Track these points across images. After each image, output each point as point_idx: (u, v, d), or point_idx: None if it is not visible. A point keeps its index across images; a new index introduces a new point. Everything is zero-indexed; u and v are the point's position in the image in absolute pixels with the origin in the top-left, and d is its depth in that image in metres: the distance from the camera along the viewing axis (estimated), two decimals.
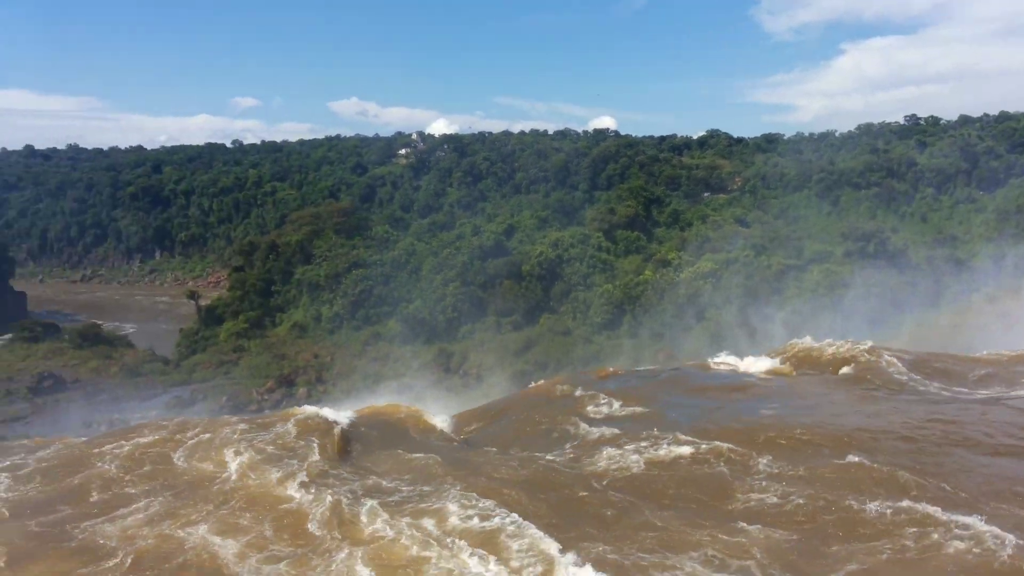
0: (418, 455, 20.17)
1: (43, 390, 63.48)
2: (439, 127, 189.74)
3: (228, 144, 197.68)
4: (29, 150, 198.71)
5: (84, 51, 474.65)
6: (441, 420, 23.92)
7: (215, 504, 17.65)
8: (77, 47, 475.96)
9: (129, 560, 15.39)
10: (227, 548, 15.78)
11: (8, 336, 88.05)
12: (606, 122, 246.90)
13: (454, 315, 71.80)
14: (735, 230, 79.39)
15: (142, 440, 21.81)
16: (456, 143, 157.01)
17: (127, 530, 16.60)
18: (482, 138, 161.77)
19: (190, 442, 21.38)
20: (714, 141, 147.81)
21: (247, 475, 18.88)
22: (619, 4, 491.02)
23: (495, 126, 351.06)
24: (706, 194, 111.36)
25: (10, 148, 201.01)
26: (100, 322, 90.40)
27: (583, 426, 22.62)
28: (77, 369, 69.69)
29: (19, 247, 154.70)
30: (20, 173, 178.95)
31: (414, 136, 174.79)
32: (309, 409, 23.02)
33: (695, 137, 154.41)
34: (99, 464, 20.38)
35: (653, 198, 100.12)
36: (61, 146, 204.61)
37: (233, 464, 19.53)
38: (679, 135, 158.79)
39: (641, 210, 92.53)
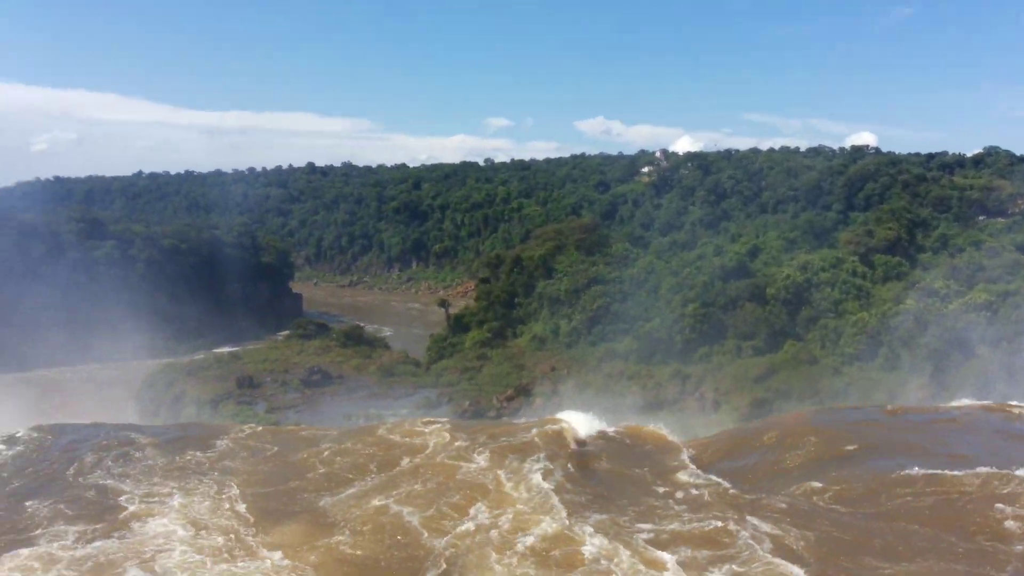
0: (658, 480, 19.84)
1: (312, 383, 70.45)
2: (683, 144, 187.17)
3: (481, 162, 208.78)
4: (310, 167, 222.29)
5: (360, 79, 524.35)
6: (680, 444, 23.37)
7: (447, 500, 18.46)
8: (355, 76, 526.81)
9: (360, 530, 16.54)
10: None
11: (286, 333, 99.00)
12: (865, 138, 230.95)
13: (692, 336, 70.22)
14: (1016, 259, 70.63)
15: (391, 436, 23.38)
16: (700, 161, 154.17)
17: (364, 508, 17.82)
18: (728, 155, 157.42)
19: (433, 440, 22.60)
20: (992, 159, 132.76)
21: (485, 477, 19.58)
22: (883, 12, 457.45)
23: (742, 143, 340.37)
24: (981, 217, 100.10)
25: (295, 165, 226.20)
26: (362, 324, 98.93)
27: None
28: (341, 366, 76.61)
29: (299, 254, 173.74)
30: (302, 187, 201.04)
31: (657, 154, 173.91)
32: (554, 418, 23.47)
33: (969, 155, 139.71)
34: (353, 452, 22.11)
35: (918, 221, 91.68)
36: (337, 164, 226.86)
37: (472, 465, 20.37)
38: (950, 152, 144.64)
39: (904, 233, 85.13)
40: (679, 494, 18.84)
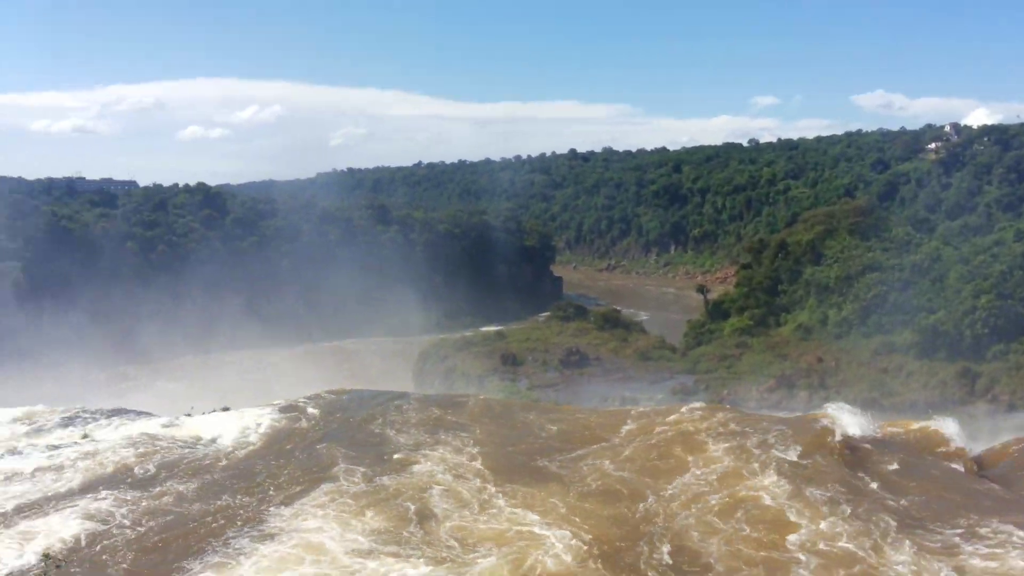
0: (942, 489, 18.22)
1: (570, 363, 72.48)
2: (977, 117, 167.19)
3: (744, 143, 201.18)
4: (572, 153, 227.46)
5: (622, 65, 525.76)
6: (966, 449, 21.22)
7: (692, 492, 18.28)
8: (617, 62, 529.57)
9: (587, 487, 16.86)
10: (706, 544, 16.26)
11: (547, 314, 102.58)
12: None
13: (984, 331, 62.85)
14: None
15: (645, 419, 23.58)
16: (999, 134, 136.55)
17: (605, 478, 18.16)
18: None
19: (690, 425, 22.46)
20: None
21: (737, 471, 19.15)
22: None
23: None
24: None
25: (558, 152, 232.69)
26: (619, 308, 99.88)
27: None
28: (598, 348, 78.02)
29: (560, 237, 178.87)
30: (565, 173, 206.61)
31: (947, 128, 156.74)
32: (821, 413, 22.39)
33: None
34: (608, 428, 22.62)
35: None
36: (598, 149, 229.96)
37: (725, 457, 19.99)
38: None
39: None
40: (967, 506, 17.20)
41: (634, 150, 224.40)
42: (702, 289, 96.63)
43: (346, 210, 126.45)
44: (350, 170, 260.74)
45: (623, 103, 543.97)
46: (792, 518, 16.11)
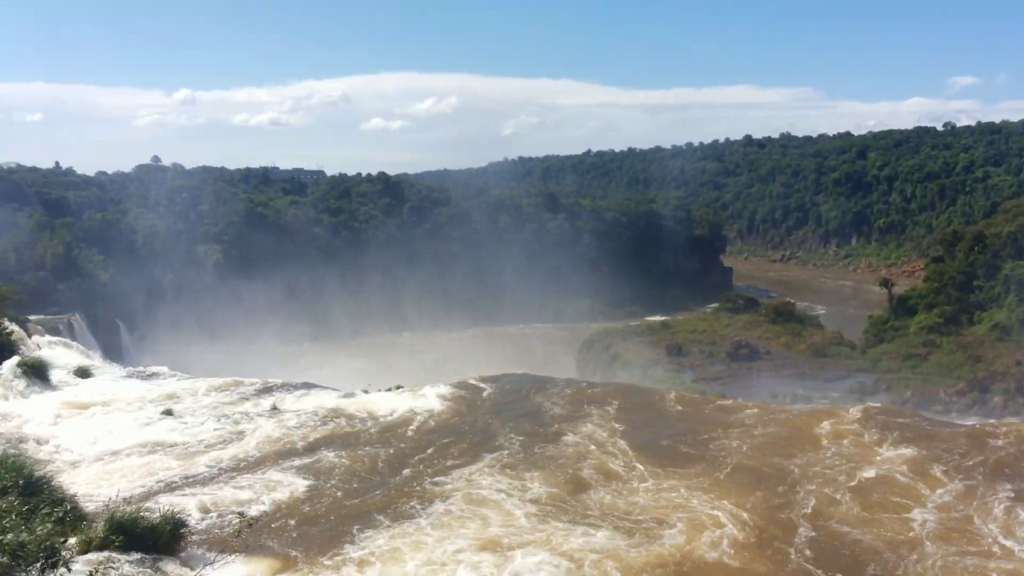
0: None
1: (739, 356, 70.50)
2: None
3: (939, 127, 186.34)
4: (747, 139, 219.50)
5: (803, 47, 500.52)
6: None
7: (861, 501, 17.40)
8: (797, 44, 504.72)
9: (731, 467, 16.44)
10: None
11: (715, 305, 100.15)
12: None
13: None
14: None
15: (817, 418, 22.67)
16: None
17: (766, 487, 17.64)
18: None
19: (861, 427, 21.43)
20: None
21: (914, 487, 18.07)
22: None
23: None
24: None
25: (732, 139, 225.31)
26: (792, 301, 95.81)
27: None
28: (769, 342, 75.34)
29: (731, 227, 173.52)
30: (738, 160, 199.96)
31: None
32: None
33: None
34: (775, 423, 21.97)
35: None
36: (774, 135, 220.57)
37: (903, 465, 18.91)
38: None
39: None
40: None
41: (814, 135, 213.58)
42: (886, 283, 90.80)
43: (516, 198, 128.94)
44: (520, 159, 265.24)
45: (804, 86, 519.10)
46: (994, 549, 15.11)
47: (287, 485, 18.34)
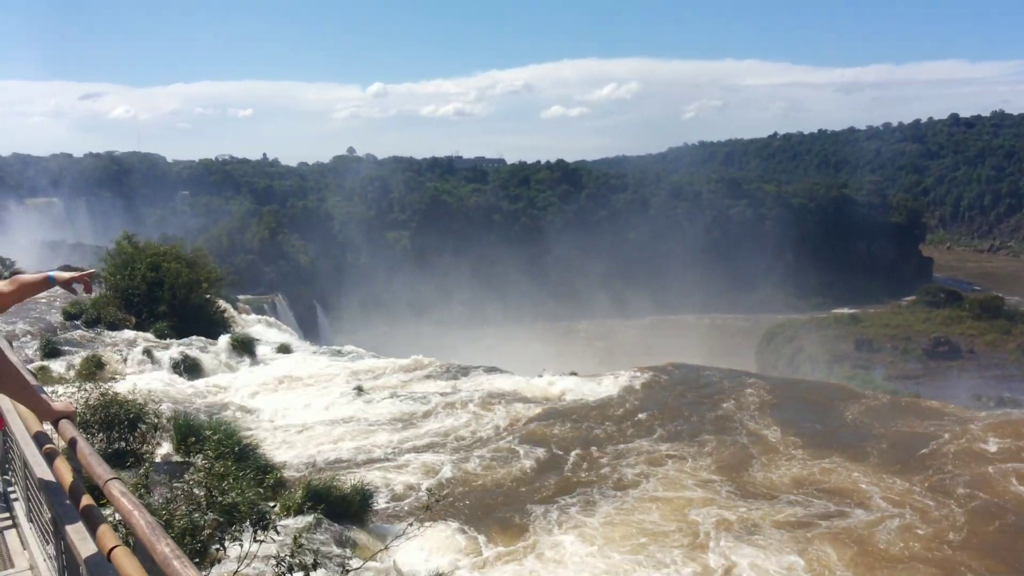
0: None
1: (936, 354, 65.44)
2: None
3: None
4: (953, 119, 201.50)
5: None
6: None
7: None
8: (1018, 10, 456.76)
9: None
10: None
11: (911, 298, 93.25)
12: None
13: None
14: None
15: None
16: None
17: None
18: None
19: None
20: None
21: None
22: None
23: None
24: None
25: (936, 118, 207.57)
26: (1001, 295, 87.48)
27: None
28: (972, 340, 69.31)
29: (932, 214, 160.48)
30: (942, 141, 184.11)
31: None
32: None
33: None
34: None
35: None
36: (985, 113, 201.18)
37: None
38: None
39: None
40: None
41: None
42: None
43: (695, 183, 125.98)
44: (701, 143, 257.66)
45: (1020, 58, 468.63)
46: None
47: (468, 465, 19.17)
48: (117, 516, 3.36)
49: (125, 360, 24.23)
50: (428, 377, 28.05)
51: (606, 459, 19.39)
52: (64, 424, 3.59)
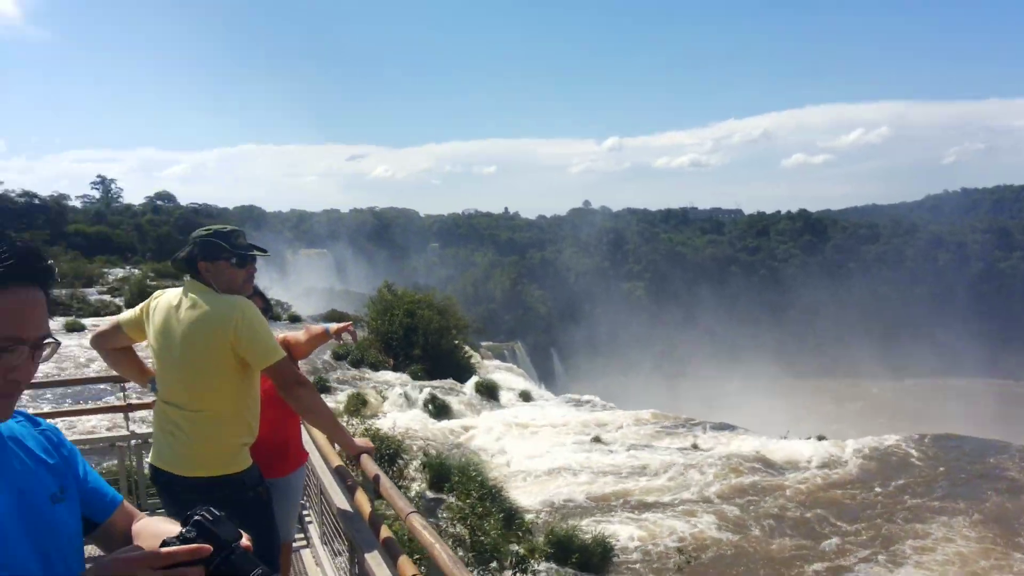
0: None
1: None
2: None
3: None
4: None
5: None
6: None
7: None
8: None
9: None
10: None
11: None
12: None
13: None
14: None
15: None
16: None
17: None
18: None
19: None
20: None
21: None
22: None
23: None
24: None
25: None
26: None
27: None
28: None
29: None
30: None
31: None
32: None
33: None
34: None
35: None
36: None
37: None
38: None
39: None
40: None
41: None
42: None
43: (958, 234, 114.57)
44: (964, 190, 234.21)
45: None
46: None
47: (710, 525, 18.49)
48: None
49: (384, 399, 26.17)
50: (664, 430, 27.59)
51: (868, 535, 17.83)
52: (364, 459, 3.92)
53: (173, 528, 1.43)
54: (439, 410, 26.57)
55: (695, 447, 25.51)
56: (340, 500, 4.42)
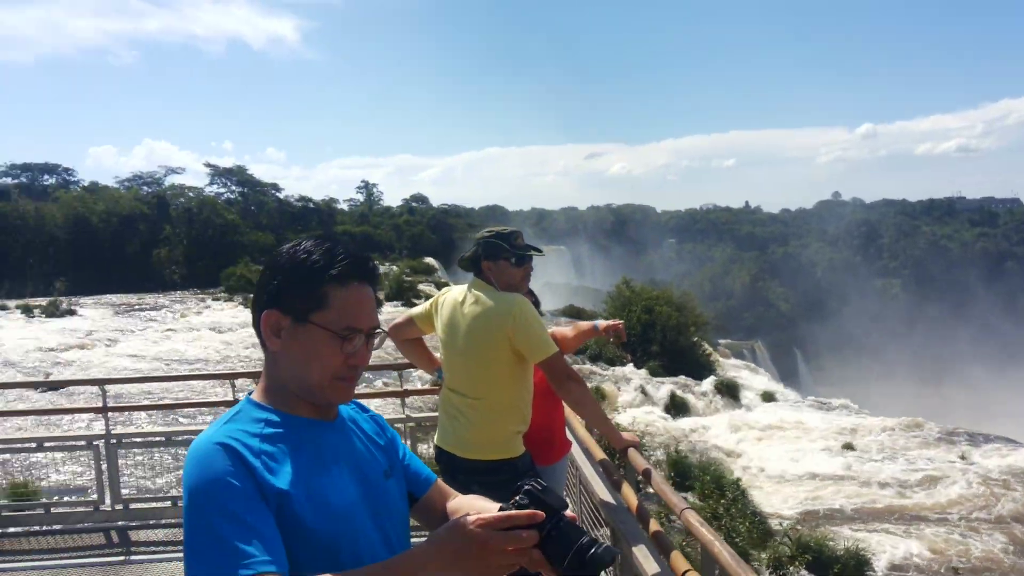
0: None
1: None
2: None
3: None
4: None
5: None
6: None
7: None
8: None
9: None
10: None
11: None
12: None
13: None
14: None
15: None
16: None
17: None
18: None
19: None
20: None
21: None
22: None
23: None
24: None
25: None
26: None
27: None
28: None
29: None
30: None
31: None
32: None
33: None
34: None
35: None
36: None
37: None
38: None
39: None
40: None
41: None
42: None
43: None
44: None
45: None
46: None
47: (989, 546, 16.76)
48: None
49: (621, 392, 26.40)
50: (925, 440, 25.35)
51: None
52: (632, 453, 4.02)
53: (490, 505, 1.57)
54: (678, 407, 26.32)
55: (963, 458, 23.23)
56: (602, 492, 4.56)
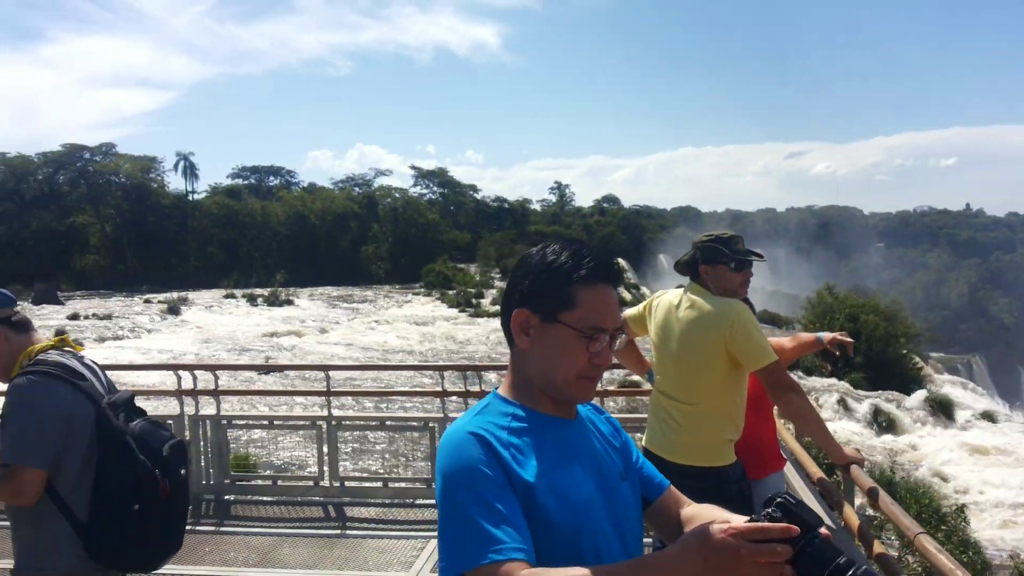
0: None
1: None
2: None
3: None
4: None
5: None
6: None
7: None
8: None
9: None
10: None
11: None
12: None
13: None
14: None
15: None
16: None
17: None
18: None
19: None
20: None
21: None
22: None
23: None
24: None
25: None
26: None
27: None
28: None
29: None
30: None
31: None
32: None
33: None
34: None
35: None
36: None
37: None
38: None
39: None
40: None
41: None
42: None
43: None
44: None
45: None
46: None
47: None
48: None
49: (820, 406, 25.09)
50: None
51: None
52: (855, 470, 3.85)
53: (730, 515, 1.53)
54: (882, 424, 24.63)
55: None
56: (818, 511, 4.40)
